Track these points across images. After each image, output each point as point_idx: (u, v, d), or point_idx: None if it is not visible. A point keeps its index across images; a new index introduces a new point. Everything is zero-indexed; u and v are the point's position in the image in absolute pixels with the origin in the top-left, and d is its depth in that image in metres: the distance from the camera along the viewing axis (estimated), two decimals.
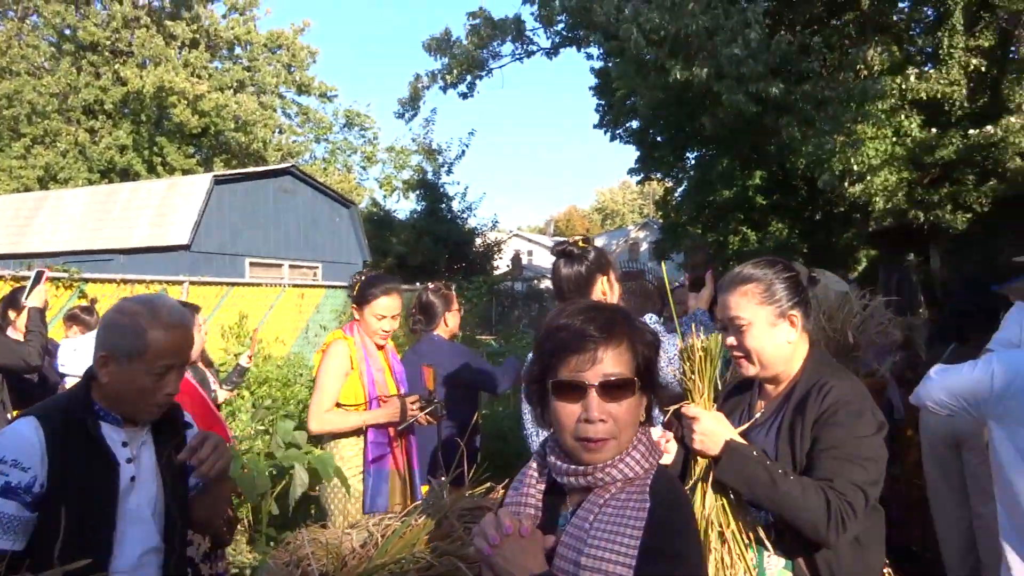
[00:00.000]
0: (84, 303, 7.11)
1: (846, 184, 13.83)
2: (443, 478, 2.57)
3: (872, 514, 1.99)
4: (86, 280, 7.80)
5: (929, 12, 15.03)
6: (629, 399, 1.38)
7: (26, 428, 1.80)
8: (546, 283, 27.17)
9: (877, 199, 13.40)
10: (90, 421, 1.87)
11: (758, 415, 2.14)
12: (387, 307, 3.49)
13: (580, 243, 2.76)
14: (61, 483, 1.78)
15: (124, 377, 1.86)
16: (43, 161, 22.68)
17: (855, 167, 13.32)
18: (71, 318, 5.76)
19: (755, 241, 17.21)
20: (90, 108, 23.82)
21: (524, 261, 39.70)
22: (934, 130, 13.28)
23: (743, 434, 2.03)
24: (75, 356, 5.12)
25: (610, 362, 1.38)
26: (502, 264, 29.07)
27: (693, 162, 19.73)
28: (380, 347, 3.59)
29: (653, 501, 1.36)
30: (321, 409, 3.40)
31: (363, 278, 3.58)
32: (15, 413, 4.17)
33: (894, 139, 13.55)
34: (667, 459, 2.01)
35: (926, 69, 13.97)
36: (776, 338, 2.05)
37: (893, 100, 13.53)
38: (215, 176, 13.92)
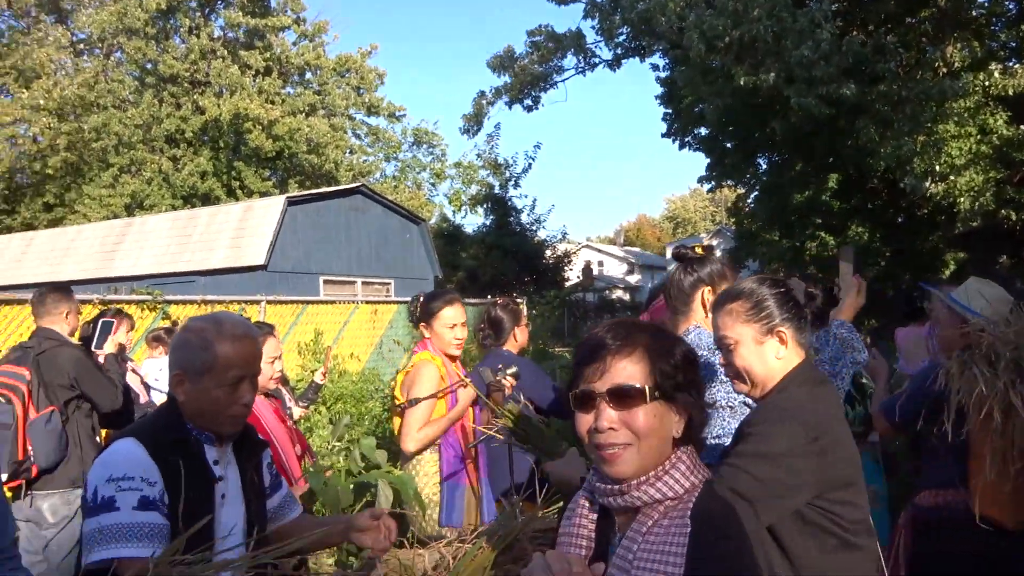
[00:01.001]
0: (167, 324, 7.41)
1: (928, 185, 13.31)
2: (515, 497, 2.54)
3: (840, 552, 1.79)
4: (169, 302, 8.10)
5: (1011, 6, 14.39)
6: (642, 407, 1.35)
7: (134, 447, 1.83)
8: (618, 293, 26.97)
9: (962, 200, 12.85)
10: (191, 439, 1.92)
11: None
12: (454, 316, 3.65)
13: (698, 248, 2.62)
14: (172, 499, 1.82)
15: (199, 393, 1.91)
16: (130, 189, 23.76)
17: (938, 167, 12.81)
18: (155, 339, 6.01)
19: (834, 246, 16.68)
20: (172, 137, 24.87)
21: (595, 271, 39.49)
22: (1023, 127, 12.67)
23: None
24: (164, 374, 5.30)
25: (620, 371, 1.36)
26: (573, 275, 28.98)
27: (765, 167, 19.33)
28: (453, 358, 3.68)
29: (694, 526, 1.31)
30: (414, 430, 3.44)
31: (421, 299, 3.77)
32: (104, 433, 4.33)
33: (979, 137, 12.98)
34: None
35: (1010, 64, 13.36)
36: (765, 355, 1.99)
37: (976, 97, 12.97)
38: (288, 197, 14.30)
